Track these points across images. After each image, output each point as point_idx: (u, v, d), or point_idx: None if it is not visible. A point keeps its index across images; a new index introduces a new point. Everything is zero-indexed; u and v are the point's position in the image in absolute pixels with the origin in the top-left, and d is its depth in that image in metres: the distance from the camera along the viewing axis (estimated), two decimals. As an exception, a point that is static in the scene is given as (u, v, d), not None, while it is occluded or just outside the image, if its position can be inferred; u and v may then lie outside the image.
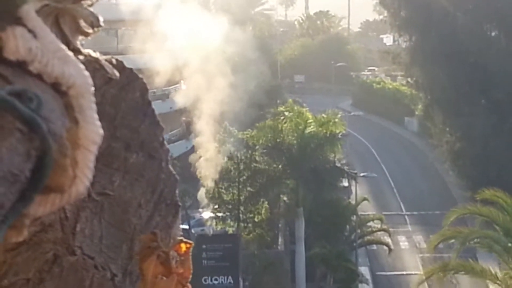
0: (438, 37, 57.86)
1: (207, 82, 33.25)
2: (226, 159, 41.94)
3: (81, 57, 1.39)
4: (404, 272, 46.13)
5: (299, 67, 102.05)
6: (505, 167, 51.54)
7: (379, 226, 46.38)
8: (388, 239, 45.45)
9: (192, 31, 30.57)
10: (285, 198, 46.13)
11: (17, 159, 1.08)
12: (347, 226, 46.21)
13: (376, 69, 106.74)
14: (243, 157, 43.08)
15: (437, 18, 58.17)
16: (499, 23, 59.88)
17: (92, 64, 1.47)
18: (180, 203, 1.68)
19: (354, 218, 45.03)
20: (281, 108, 47.50)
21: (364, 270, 45.23)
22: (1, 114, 1.08)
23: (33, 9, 1.22)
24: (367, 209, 50.04)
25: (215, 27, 31.75)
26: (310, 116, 43.43)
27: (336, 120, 43.05)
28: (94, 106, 1.22)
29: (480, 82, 56.34)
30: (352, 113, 66.18)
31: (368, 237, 46.09)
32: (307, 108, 49.80)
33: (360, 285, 42.82)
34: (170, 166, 1.65)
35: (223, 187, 42.92)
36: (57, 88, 1.19)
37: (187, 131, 50.67)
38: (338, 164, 46.63)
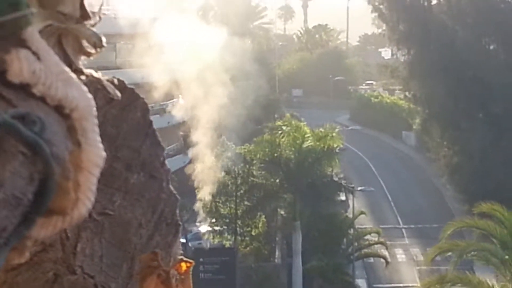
0: (437, 50, 57.88)
1: (205, 96, 33.25)
2: (223, 173, 41.92)
3: (83, 77, 1.39)
4: (401, 285, 46.06)
5: (297, 81, 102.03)
6: (502, 181, 51.51)
7: (376, 239, 46.29)
8: (385, 252, 45.35)
9: (191, 45, 30.58)
10: (282, 212, 46.09)
11: (20, 182, 1.08)
12: (344, 240, 46.12)
13: (374, 83, 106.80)
14: (240, 172, 43.07)
15: (436, 32, 58.21)
16: (498, 37, 59.93)
17: (94, 84, 1.47)
18: (180, 223, 1.69)
19: (351, 231, 44.97)
20: (279, 123, 47.51)
21: (361, 283, 45.20)
22: (4, 137, 1.08)
23: (37, 30, 1.23)
24: (364, 222, 49.96)
25: (213, 40, 31.76)
26: (307, 131, 43.43)
27: (334, 134, 43.05)
28: (97, 129, 1.22)
29: (478, 96, 56.30)
30: (350, 127, 66.17)
31: (365, 250, 45.98)
32: (305, 122, 49.77)
33: (357, 298, 42.84)
34: (170, 186, 1.66)
35: (221, 201, 42.90)
36: (60, 110, 1.19)
37: (185, 146, 50.63)
38: (335, 178, 46.64)
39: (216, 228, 43.40)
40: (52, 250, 1.45)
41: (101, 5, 1.58)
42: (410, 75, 61.83)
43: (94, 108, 1.24)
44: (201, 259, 37.47)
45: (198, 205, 40.54)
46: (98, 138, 1.22)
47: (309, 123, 51.48)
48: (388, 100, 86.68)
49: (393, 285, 46.50)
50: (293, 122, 45.61)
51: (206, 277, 37.50)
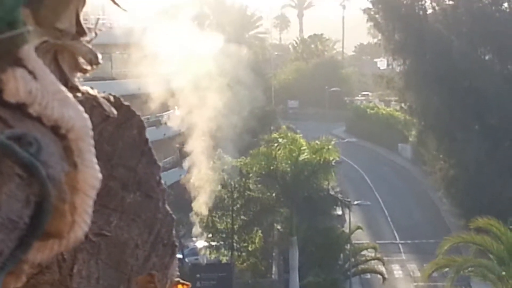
0: (432, 60, 57.80)
1: (200, 107, 33.21)
2: (220, 187, 41.78)
3: (79, 94, 1.37)
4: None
5: (293, 92, 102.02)
6: (498, 195, 51.47)
7: (373, 254, 46.15)
8: (382, 268, 45.23)
9: (186, 55, 30.56)
10: (279, 227, 45.96)
11: (16, 205, 1.07)
12: (341, 255, 45.97)
13: (370, 94, 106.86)
14: (236, 185, 42.93)
15: (431, 42, 58.12)
16: (494, 47, 59.81)
17: (89, 102, 1.45)
18: (177, 244, 1.67)
19: (348, 246, 44.81)
20: (274, 135, 47.49)
21: (358, 299, 45.09)
22: (0, 159, 1.06)
23: (33, 48, 1.21)
24: (361, 237, 49.82)
25: (209, 50, 31.75)
26: (303, 143, 43.39)
27: (330, 146, 42.99)
28: (93, 150, 1.21)
29: (474, 107, 56.19)
30: (346, 140, 66.11)
31: (362, 266, 45.84)
32: (301, 135, 49.76)
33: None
34: (166, 206, 1.64)
35: (217, 216, 42.74)
36: (56, 131, 1.18)
37: (181, 159, 50.53)
38: (331, 192, 46.59)
39: (213, 243, 43.26)
40: (49, 272, 1.43)
41: (97, 21, 1.57)
42: (406, 86, 61.72)
43: (91, 128, 1.22)
44: (198, 275, 37.46)
45: (194, 218, 40.42)
46: (95, 159, 1.21)
47: (305, 135, 51.49)
48: (384, 112, 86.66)
49: (390, 301, 46.39)
50: (289, 134, 45.61)
51: (202, 292, 37.47)
